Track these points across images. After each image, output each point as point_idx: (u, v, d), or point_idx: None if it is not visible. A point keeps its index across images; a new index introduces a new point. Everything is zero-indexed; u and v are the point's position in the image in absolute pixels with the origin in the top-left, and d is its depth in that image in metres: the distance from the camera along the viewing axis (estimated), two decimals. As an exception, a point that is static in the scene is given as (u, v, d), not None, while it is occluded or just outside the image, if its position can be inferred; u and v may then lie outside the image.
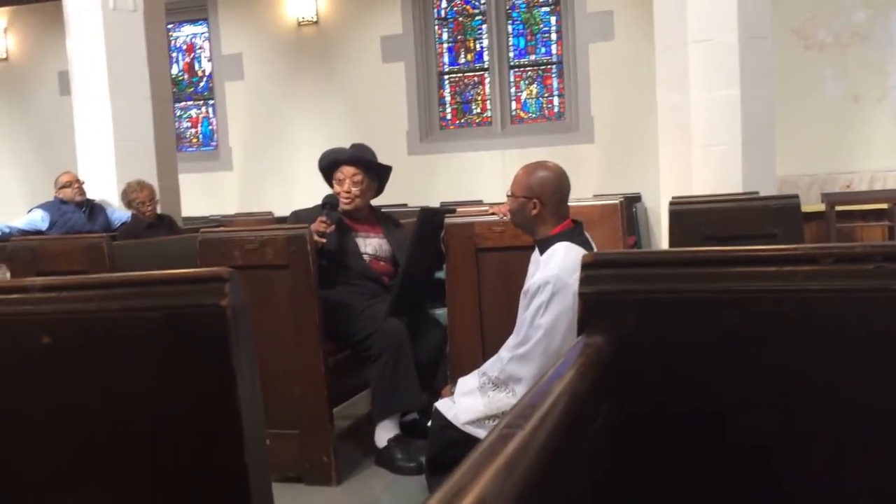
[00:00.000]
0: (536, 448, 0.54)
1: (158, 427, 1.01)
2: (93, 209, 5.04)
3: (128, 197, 4.77)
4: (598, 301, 0.91)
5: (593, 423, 0.73)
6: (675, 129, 4.53)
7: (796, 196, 3.08)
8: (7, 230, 4.80)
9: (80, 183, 5.02)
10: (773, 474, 0.89)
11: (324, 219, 2.92)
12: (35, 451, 1.05)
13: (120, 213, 5.10)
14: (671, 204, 3.17)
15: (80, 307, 1.01)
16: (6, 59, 9.23)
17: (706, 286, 0.89)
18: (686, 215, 3.06)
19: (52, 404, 1.04)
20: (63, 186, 4.97)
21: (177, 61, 8.93)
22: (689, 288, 0.89)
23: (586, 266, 0.93)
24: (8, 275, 3.05)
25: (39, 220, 4.92)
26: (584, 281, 0.92)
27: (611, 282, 0.91)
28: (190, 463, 1.00)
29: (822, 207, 4.87)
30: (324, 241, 2.87)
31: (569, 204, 2.39)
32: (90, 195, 5.09)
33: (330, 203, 3.08)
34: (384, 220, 3.32)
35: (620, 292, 0.90)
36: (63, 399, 1.03)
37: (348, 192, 3.12)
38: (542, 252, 2.33)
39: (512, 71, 8.00)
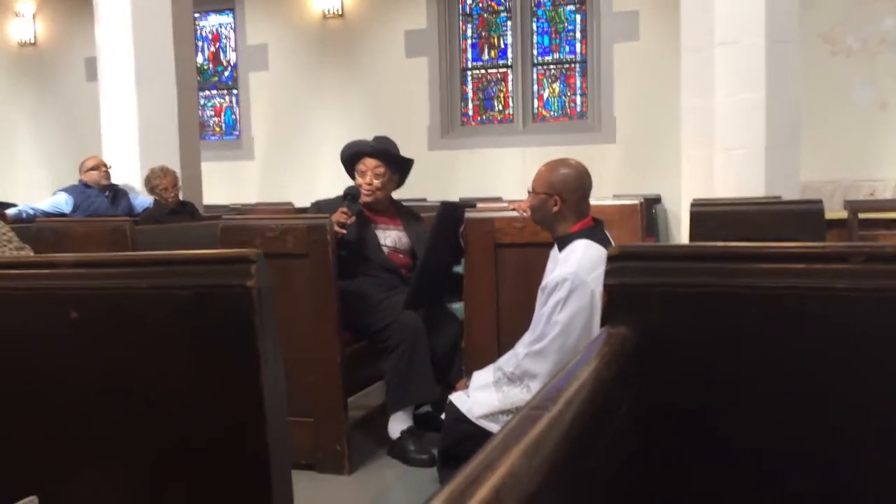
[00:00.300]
0: (563, 430, 0.54)
1: (182, 404, 1.02)
2: (116, 194, 5.09)
3: (151, 183, 4.81)
4: (622, 293, 0.91)
5: (617, 411, 0.74)
6: (698, 131, 4.50)
7: (819, 201, 3.05)
8: (31, 212, 4.85)
9: (106, 167, 5.07)
10: (792, 470, 0.89)
11: (345, 210, 2.94)
12: (61, 424, 1.07)
13: (142, 198, 5.15)
14: (693, 205, 3.16)
15: (108, 284, 1.02)
16: (34, 44, 9.33)
17: (731, 281, 0.89)
18: (707, 217, 3.05)
19: (79, 378, 1.06)
20: (90, 169, 5.02)
21: (202, 50, 8.99)
22: (714, 282, 0.89)
23: (612, 258, 0.94)
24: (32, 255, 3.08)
25: (63, 202, 4.97)
26: (609, 273, 0.93)
27: (636, 274, 0.91)
28: (212, 441, 1.02)
29: (844, 214, 4.82)
30: (344, 231, 2.89)
31: (589, 202, 2.39)
32: (114, 180, 5.14)
33: (351, 194, 3.10)
34: (404, 213, 3.33)
35: (645, 285, 0.91)
36: (89, 374, 1.05)
37: (370, 184, 3.14)
38: (561, 249, 2.33)
39: (535, 69, 7.98)
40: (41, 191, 7.84)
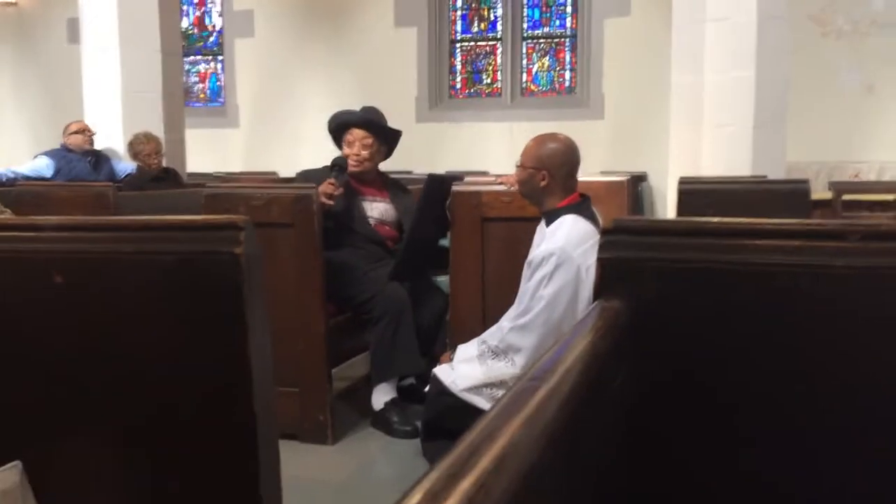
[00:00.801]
0: (560, 401, 0.54)
1: (168, 371, 1.01)
2: (98, 159, 5.02)
3: (134, 149, 4.75)
4: (616, 267, 0.91)
5: (613, 382, 0.74)
6: (688, 108, 4.50)
7: (806, 181, 3.07)
8: (11, 175, 4.78)
9: (90, 132, 5.00)
10: (781, 444, 0.89)
11: (332, 181, 2.91)
12: (45, 390, 1.05)
13: (125, 164, 5.08)
14: (680, 183, 3.16)
15: (94, 248, 1.00)
16: (15, 3, 9.12)
17: (725, 257, 0.89)
18: (694, 195, 3.05)
19: (64, 343, 1.04)
20: (74, 133, 4.95)
21: (187, 15, 8.83)
22: (708, 258, 0.89)
23: (607, 232, 0.93)
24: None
25: (44, 166, 4.89)
26: (603, 246, 0.92)
27: (630, 248, 0.91)
28: (199, 408, 1.01)
29: (829, 195, 4.85)
30: (332, 203, 2.87)
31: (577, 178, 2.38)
32: (96, 146, 5.07)
33: (339, 165, 3.07)
34: (391, 185, 3.31)
35: (639, 259, 0.90)
36: (74, 339, 1.04)
37: (357, 155, 3.11)
38: (548, 224, 2.33)
39: (525, 42, 7.92)
40: (22, 154, 7.71)
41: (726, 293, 0.89)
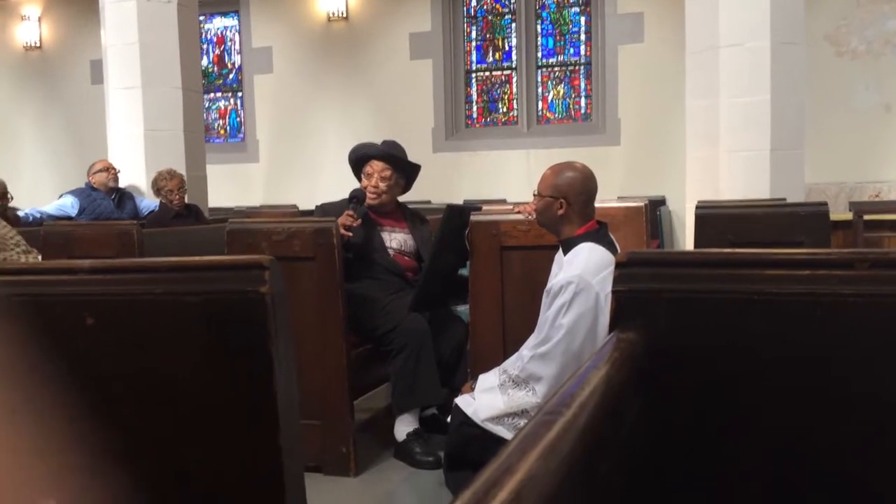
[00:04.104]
0: (577, 433, 0.56)
1: (196, 408, 1.04)
2: (122, 197, 5.12)
3: (157, 185, 4.84)
4: (631, 299, 0.92)
5: (629, 415, 0.75)
6: (703, 133, 4.51)
7: (825, 203, 3.06)
8: (38, 215, 4.89)
9: (115, 171, 5.11)
10: (801, 472, 0.90)
11: (351, 212, 2.95)
12: (77, 428, 1.08)
13: (147, 201, 5.18)
14: (698, 207, 3.16)
15: (124, 290, 1.04)
16: (40, 47, 9.37)
17: (738, 287, 0.90)
18: (712, 220, 3.05)
19: (95, 383, 1.07)
20: (98, 171, 5.06)
21: (207, 53, 9.02)
22: (721, 288, 0.90)
23: (620, 265, 0.95)
24: (40, 258, 3.11)
25: (69, 205, 5.00)
26: (617, 279, 0.94)
27: (644, 280, 0.93)
28: (226, 444, 1.03)
29: (849, 216, 4.83)
30: (350, 234, 2.90)
31: (594, 206, 2.40)
32: (120, 183, 5.17)
33: (357, 197, 3.12)
34: (410, 216, 3.34)
35: (653, 291, 0.92)
36: (105, 378, 1.06)
37: (375, 187, 3.15)
38: (566, 252, 2.34)
39: (539, 71, 7.99)
40: (46, 193, 7.88)
41: (739, 322, 0.90)
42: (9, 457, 1.10)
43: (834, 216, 4.01)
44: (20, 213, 4.84)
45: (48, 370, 1.06)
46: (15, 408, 1.09)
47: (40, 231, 3.59)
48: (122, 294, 1.04)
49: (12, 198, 4.38)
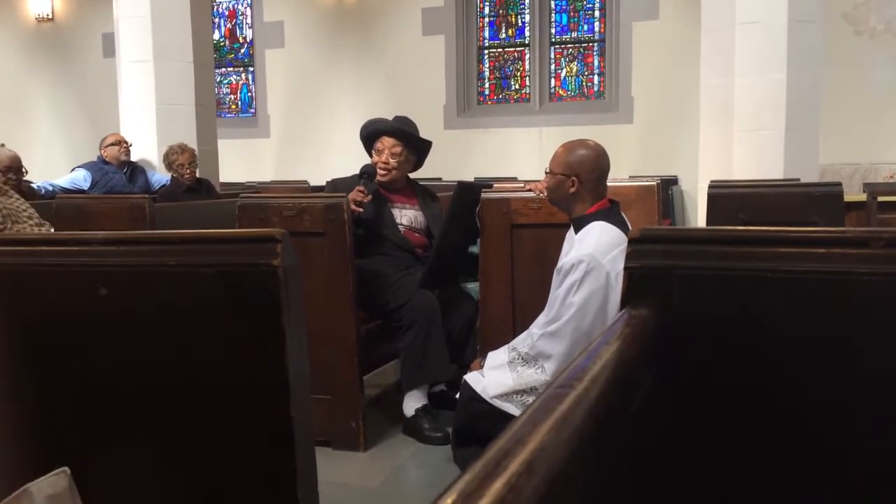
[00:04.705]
0: (588, 407, 0.56)
1: (209, 378, 1.05)
2: (133, 171, 5.14)
3: (169, 159, 4.84)
4: (643, 275, 0.92)
5: (640, 389, 0.75)
6: (718, 111, 4.47)
7: (839, 184, 3.03)
8: (50, 188, 4.91)
9: (127, 144, 5.12)
10: (813, 448, 0.90)
11: (361, 188, 2.95)
12: (91, 398, 1.09)
13: (159, 175, 5.19)
14: (710, 187, 3.14)
15: (137, 261, 1.05)
16: (52, 19, 9.35)
17: (751, 265, 0.90)
18: (725, 199, 3.03)
19: (108, 353, 1.08)
20: (111, 144, 5.07)
21: (218, 27, 8.98)
22: (733, 266, 0.90)
23: (633, 241, 0.95)
24: (52, 231, 3.13)
25: (82, 179, 5.02)
26: (630, 255, 0.94)
27: (657, 257, 0.93)
28: (238, 414, 1.04)
29: (863, 197, 4.77)
30: (361, 210, 2.90)
31: (606, 184, 2.38)
32: (132, 157, 5.18)
33: (368, 173, 3.11)
34: (421, 193, 3.34)
35: (666, 267, 0.92)
36: (117, 349, 1.08)
37: (386, 163, 3.15)
38: (577, 230, 2.33)
39: (553, 48, 7.92)
40: (59, 166, 7.90)
41: (752, 300, 0.90)
42: (22, 424, 1.11)
43: (848, 197, 3.97)
44: (34, 185, 4.86)
45: (62, 339, 1.08)
46: (26, 377, 1.10)
47: (52, 204, 3.61)
48: (136, 266, 1.05)
49: (27, 172, 4.40)
